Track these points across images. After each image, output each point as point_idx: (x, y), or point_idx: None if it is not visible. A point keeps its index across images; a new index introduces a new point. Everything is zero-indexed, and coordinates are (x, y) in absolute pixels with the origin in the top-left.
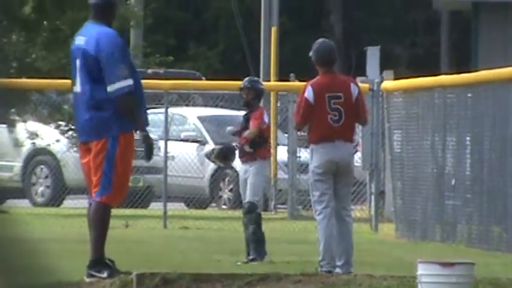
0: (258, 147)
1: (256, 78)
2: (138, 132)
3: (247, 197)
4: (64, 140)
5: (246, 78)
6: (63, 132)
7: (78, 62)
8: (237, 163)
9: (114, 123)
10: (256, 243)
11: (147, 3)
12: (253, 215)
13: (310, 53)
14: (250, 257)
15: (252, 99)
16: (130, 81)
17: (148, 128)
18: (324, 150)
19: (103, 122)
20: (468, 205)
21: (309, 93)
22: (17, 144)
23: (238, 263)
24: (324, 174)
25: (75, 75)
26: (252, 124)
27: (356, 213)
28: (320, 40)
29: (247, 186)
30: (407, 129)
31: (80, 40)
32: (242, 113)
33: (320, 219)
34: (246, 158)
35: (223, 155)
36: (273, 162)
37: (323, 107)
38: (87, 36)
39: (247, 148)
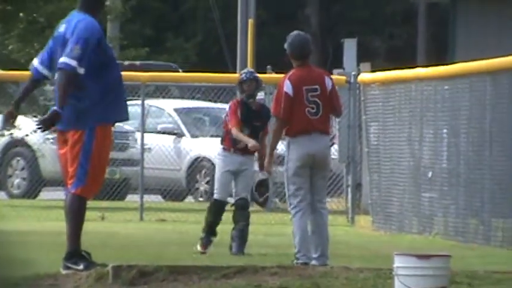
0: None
1: (252, 70)
2: (114, 124)
3: (243, 193)
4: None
5: (245, 70)
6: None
7: (59, 50)
8: (212, 153)
9: (92, 115)
10: (241, 239)
11: None
12: (246, 212)
13: (285, 46)
14: (233, 251)
15: (254, 90)
16: (74, 63)
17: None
18: (301, 143)
19: (81, 113)
20: (445, 197)
21: (287, 87)
22: None
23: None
24: (301, 167)
25: (56, 62)
26: (264, 137)
27: (332, 206)
28: (294, 33)
29: (244, 182)
30: (384, 122)
31: (61, 27)
32: (219, 105)
33: (295, 212)
34: (244, 151)
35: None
36: None
37: (301, 100)
38: (68, 24)
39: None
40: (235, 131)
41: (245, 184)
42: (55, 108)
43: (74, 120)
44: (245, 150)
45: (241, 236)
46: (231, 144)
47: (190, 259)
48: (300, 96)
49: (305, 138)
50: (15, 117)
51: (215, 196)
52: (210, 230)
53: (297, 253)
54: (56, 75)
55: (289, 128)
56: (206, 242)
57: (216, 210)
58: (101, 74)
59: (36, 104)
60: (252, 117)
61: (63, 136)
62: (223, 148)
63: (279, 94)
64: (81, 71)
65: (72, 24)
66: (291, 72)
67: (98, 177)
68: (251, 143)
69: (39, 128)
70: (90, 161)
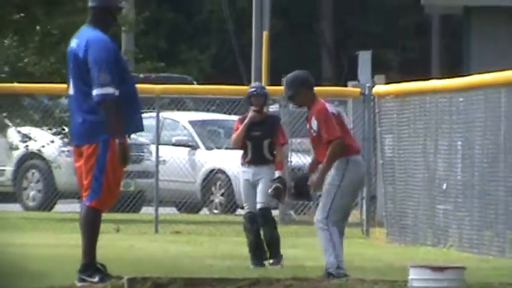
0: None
1: (262, 85)
2: (128, 136)
3: (261, 200)
4: (56, 144)
5: (255, 85)
6: (56, 134)
7: (71, 65)
8: (226, 165)
9: (105, 128)
10: (276, 245)
11: (139, 10)
12: (269, 218)
13: (290, 92)
14: (271, 261)
15: (262, 105)
16: (111, 90)
17: (139, 132)
18: (359, 163)
19: (95, 126)
20: (459, 209)
21: (331, 108)
22: (12, 148)
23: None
24: (357, 187)
25: (69, 78)
26: (281, 146)
27: None
28: (294, 72)
29: (261, 190)
30: (399, 134)
31: (73, 43)
32: (234, 117)
33: (331, 226)
34: (260, 161)
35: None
36: None
37: (342, 121)
38: (79, 40)
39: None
40: (232, 140)
41: (263, 192)
42: (117, 141)
43: (88, 133)
44: (256, 161)
45: (274, 242)
46: (243, 158)
47: (205, 271)
48: (339, 118)
49: (360, 158)
50: None
51: (245, 211)
52: (257, 249)
53: (338, 264)
54: (101, 108)
55: (350, 146)
56: (257, 263)
57: (249, 223)
58: None
59: (51, 117)
60: (252, 129)
61: (78, 149)
62: (241, 163)
63: (327, 118)
64: (117, 92)
65: (83, 40)
66: (320, 100)
67: (112, 189)
68: (247, 118)
69: (123, 165)
70: (104, 173)
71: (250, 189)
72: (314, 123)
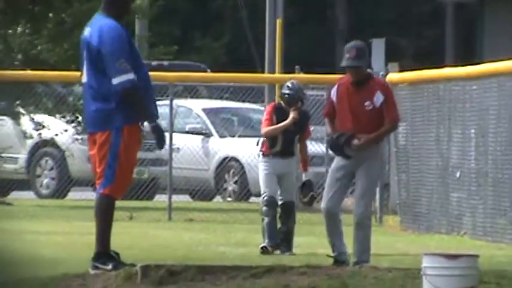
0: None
1: (299, 85)
2: (145, 123)
3: (288, 196)
4: (70, 131)
5: (293, 86)
6: (69, 122)
7: (84, 53)
8: (240, 153)
9: (119, 115)
10: (290, 240)
11: None
12: (292, 214)
13: (360, 62)
14: (283, 251)
15: (297, 103)
16: (131, 75)
17: None
18: None
19: (108, 114)
20: (473, 197)
21: None
22: (26, 136)
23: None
24: None
25: (82, 66)
26: (305, 140)
27: None
28: (359, 43)
29: (288, 185)
30: (413, 122)
31: (86, 31)
32: (247, 105)
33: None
34: (287, 154)
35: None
36: None
37: None
38: (92, 28)
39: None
40: (264, 130)
41: (290, 187)
42: (153, 124)
43: (101, 121)
44: (284, 153)
45: (288, 238)
46: (267, 149)
47: (219, 259)
48: None
49: None
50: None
51: (265, 196)
52: (273, 230)
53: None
54: (122, 96)
55: None
56: (272, 243)
57: (267, 206)
58: None
59: (65, 104)
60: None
61: (92, 137)
62: (263, 154)
63: (394, 98)
64: (136, 77)
65: (95, 28)
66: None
67: (125, 177)
68: (289, 118)
69: (161, 147)
70: (117, 161)
71: (271, 177)
72: (379, 97)
